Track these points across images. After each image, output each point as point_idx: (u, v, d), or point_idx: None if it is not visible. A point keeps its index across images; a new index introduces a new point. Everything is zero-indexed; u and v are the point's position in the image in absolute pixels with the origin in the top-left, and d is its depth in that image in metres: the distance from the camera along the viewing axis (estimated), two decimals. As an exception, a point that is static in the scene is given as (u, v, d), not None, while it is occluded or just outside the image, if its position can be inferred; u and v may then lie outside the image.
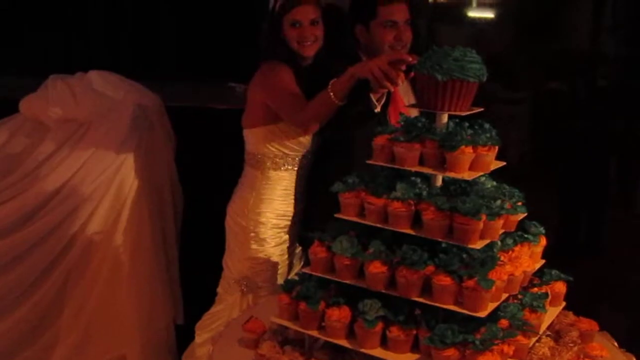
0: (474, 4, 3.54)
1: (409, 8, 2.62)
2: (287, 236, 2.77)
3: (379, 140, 2.03)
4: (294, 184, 2.74)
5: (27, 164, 3.08)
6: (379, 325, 1.93)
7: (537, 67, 3.38)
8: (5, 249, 3.03)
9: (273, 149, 2.68)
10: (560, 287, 2.21)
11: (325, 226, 2.13)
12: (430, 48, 2.00)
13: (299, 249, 2.88)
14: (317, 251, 2.06)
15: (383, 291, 1.95)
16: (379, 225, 1.99)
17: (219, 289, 2.88)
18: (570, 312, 2.26)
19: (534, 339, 2.02)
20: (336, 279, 2.02)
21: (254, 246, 2.73)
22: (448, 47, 1.97)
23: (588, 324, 2.18)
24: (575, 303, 2.26)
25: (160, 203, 3.22)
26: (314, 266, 2.08)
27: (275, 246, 2.74)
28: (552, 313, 2.15)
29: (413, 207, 1.95)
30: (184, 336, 3.08)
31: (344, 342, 1.99)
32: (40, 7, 3.87)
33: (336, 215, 2.07)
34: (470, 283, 1.84)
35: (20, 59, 3.98)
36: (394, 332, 1.92)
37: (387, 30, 2.62)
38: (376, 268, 1.93)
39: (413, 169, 1.98)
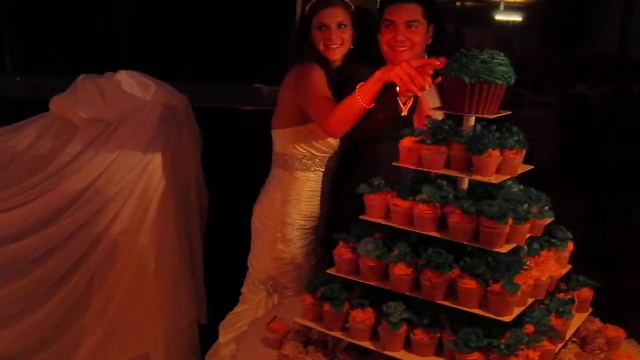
0: (502, 7, 3.52)
1: (419, 10, 2.58)
2: (313, 237, 2.78)
3: (406, 143, 2.02)
4: (321, 186, 2.75)
5: (55, 162, 3.12)
6: (403, 328, 1.93)
7: (566, 70, 3.35)
8: (32, 247, 3.07)
9: (302, 150, 2.69)
10: (587, 294, 2.18)
11: (351, 228, 2.13)
12: (458, 51, 1.99)
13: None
14: (342, 252, 2.06)
15: (408, 294, 1.94)
16: (404, 228, 1.99)
17: (244, 289, 2.90)
18: (597, 319, 2.23)
19: (560, 345, 2.00)
20: (361, 281, 2.02)
21: (280, 247, 2.74)
22: (476, 50, 1.96)
23: (615, 331, 2.15)
24: (602, 310, 2.24)
25: (186, 203, 3.24)
26: (339, 267, 2.08)
27: (301, 247, 2.75)
28: (578, 319, 2.13)
29: (439, 210, 1.94)
30: (208, 336, 3.10)
31: (367, 344, 1.99)
32: (69, 8, 3.92)
33: (362, 217, 2.07)
34: (496, 287, 1.83)
35: (51, 60, 4.03)
36: (418, 335, 1.92)
37: (385, 30, 2.61)
38: (401, 270, 1.92)
39: (440, 172, 1.98)
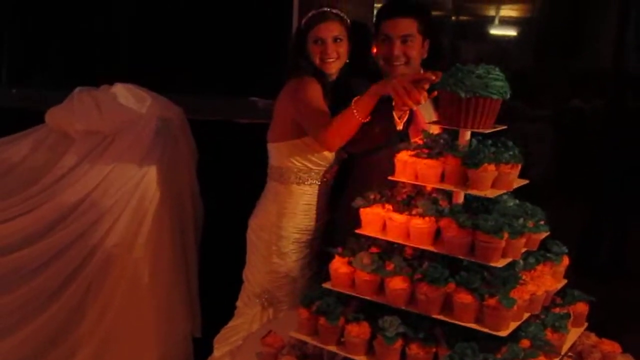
0: (497, 21, 3.54)
1: (415, 24, 2.60)
2: (308, 250, 2.77)
3: (402, 157, 2.03)
4: (316, 199, 2.75)
5: (51, 174, 3.11)
6: (399, 342, 1.93)
7: (561, 84, 3.37)
8: (27, 259, 3.06)
9: (297, 164, 2.69)
10: (583, 308, 2.19)
11: (346, 241, 2.13)
12: (454, 66, 2.00)
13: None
14: (338, 266, 2.06)
15: (403, 308, 1.94)
16: (400, 242, 1.99)
17: (239, 303, 2.88)
18: (593, 334, 2.23)
19: (555, 360, 2.00)
20: (356, 295, 2.02)
21: (275, 260, 2.73)
22: (471, 64, 1.97)
23: (611, 346, 2.15)
24: (597, 324, 2.24)
25: (181, 216, 3.24)
26: (334, 281, 2.08)
27: (296, 260, 2.74)
28: (574, 334, 2.13)
29: (435, 224, 1.94)
30: (202, 349, 3.08)
31: (362, 359, 1.99)
32: (65, 20, 3.93)
33: (357, 231, 2.07)
34: (492, 301, 1.83)
35: (47, 72, 4.03)
36: (414, 349, 1.91)
37: (381, 44, 2.63)
38: (397, 284, 1.93)
39: (435, 186, 1.98)
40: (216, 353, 2.87)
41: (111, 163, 3.07)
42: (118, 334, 3.13)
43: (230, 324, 2.88)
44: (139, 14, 3.80)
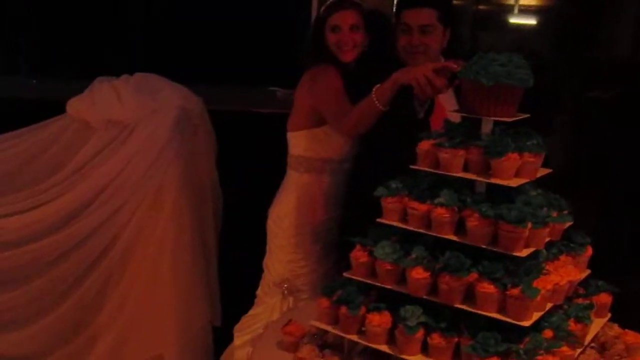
0: (516, 10, 3.51)
1: (435, 14, 2.58)
2: (327, 240, 2.78)
3: (424, 146, 2.01)
4: (335, 188, 2.75)
5: (72, 164, 3.12)
6: (420, 332, 1.92)
7: (584, 74, 3.34)
8: (48, 248, 3.07)
9: (317, 153, 2.69)
10: (606, 299, 2.17)
11: (365, 231, 2.12)
12: (476, 54, 1.98)
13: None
14: (359, 256, 2.06)
15: (425, 297, 1.93)
16: (421, 231, 1.98)
17: (259, 292, 2.90)
18: (616, 325, 2.21)
19: (578, 350, 1.98)
20: (377, 284, 2.02)
21: (295, 249, 2.74)
22: (493, 52, 1.95)
23: (634, 337, 2.13)
24: (621, 315, 2.22)
25: (200, 206, 3.25)
26: (355, 270, 2.07)
27: (316, 250, 2.75)
28: (597, 324, 2.12)
29: (457, 214, 1.93)
30: (222, 338, 3.10)
31: (384, 348, 1.98)
32: (84, 11, 3.95)
33: (378, 220, 2.06)
34: (515, 291, 1.81)
35: (67, 62, 4.05)
36: (436, 339, 1.91)
37: (402, 33, 2.61)
38: (418, 274, 1.92)
39: (457, 175, 1.97)
40: (236, 342, 2.89)
41: (131, 152, 3.07)
42: (138, 324, 3.14)
43: (250, 312, 2.90)
44: (159, 4, 3.81)
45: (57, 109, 3.22)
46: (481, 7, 3.72)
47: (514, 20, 3.57)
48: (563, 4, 3.54)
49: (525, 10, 3.51)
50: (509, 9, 3.56)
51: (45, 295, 3.10)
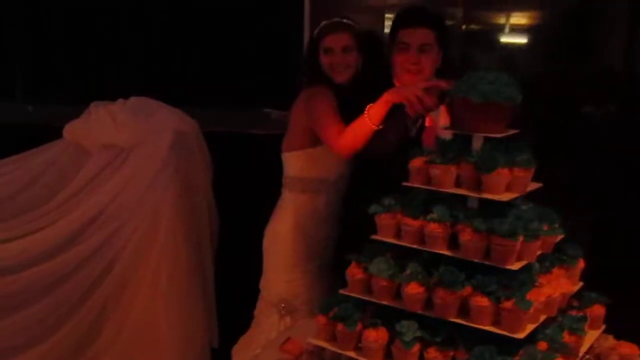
0: (507, 30, 3.56)
1: (432, 34, 2.59)
2: (324, 259, 2.79)
3: (416, 163, 2.04)
4: (331, 207, 2.77)
5: (69, 189, 3.15)
6: (417, 347, 1.93)
7: (573, 88, 3.38)
8: (46, 273, 3.09)
9: (312, 173, 2.72)
10: (599, 310, 2.19)
11: (362, 248, 2.14)
12: (466, 73, 2.02)
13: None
14: (354, 272, 2.08)
15: (420, 312, 1.95)
16: (415, 247, 2.00)
17: (256, 312, 2.90)
18: (611, 336, 2.23)
19: (573, 362, 2.00)
20: (373, 300, 2.03)
21: (291, 269, 2.75)
22: (483, 71, 1.99)
23: (629, 348, 2.14)
24: (616, 326, 2.24)
25: (197, 227, 3.26)
26: (351, 287, 2.09)
27: (312, 269, 2.76)
28: (591, 336, 2.13)
29: (450, 229, 1.96)
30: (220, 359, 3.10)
31: (381, 364, 1.99)
32: (79, 36, 3.99)
33: (373, 237, 2.08)
34: (508, 304, 1.84)
35: (62, 87, 4.08)
36: (432, 353, 1.92)
37: (399, 53, 2.61)
38: (413, 289, 1.94)
39: (449, 191, 2.00)
40: (235, 363, 2.89)
41: (127, 176, 3.10)
42: (136, 347, 3.15)
43: (248, 333, 2.90)
44: (153, 29, 3.85)
45: (53, 134, 3.24)
46: (472, 27, 3.77)
47: (504, 39, 3.61)
48: (554, 22, 3.58)
49: (515, 29, 3.55)
50: (499, 28, 3.61)
51: (43, 321, 3.10)
